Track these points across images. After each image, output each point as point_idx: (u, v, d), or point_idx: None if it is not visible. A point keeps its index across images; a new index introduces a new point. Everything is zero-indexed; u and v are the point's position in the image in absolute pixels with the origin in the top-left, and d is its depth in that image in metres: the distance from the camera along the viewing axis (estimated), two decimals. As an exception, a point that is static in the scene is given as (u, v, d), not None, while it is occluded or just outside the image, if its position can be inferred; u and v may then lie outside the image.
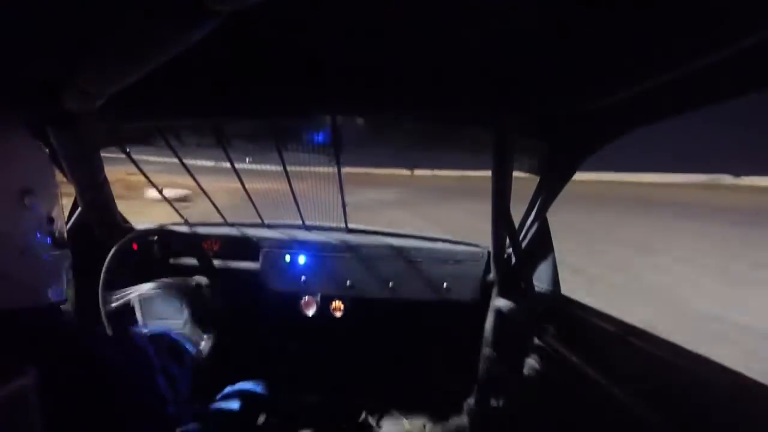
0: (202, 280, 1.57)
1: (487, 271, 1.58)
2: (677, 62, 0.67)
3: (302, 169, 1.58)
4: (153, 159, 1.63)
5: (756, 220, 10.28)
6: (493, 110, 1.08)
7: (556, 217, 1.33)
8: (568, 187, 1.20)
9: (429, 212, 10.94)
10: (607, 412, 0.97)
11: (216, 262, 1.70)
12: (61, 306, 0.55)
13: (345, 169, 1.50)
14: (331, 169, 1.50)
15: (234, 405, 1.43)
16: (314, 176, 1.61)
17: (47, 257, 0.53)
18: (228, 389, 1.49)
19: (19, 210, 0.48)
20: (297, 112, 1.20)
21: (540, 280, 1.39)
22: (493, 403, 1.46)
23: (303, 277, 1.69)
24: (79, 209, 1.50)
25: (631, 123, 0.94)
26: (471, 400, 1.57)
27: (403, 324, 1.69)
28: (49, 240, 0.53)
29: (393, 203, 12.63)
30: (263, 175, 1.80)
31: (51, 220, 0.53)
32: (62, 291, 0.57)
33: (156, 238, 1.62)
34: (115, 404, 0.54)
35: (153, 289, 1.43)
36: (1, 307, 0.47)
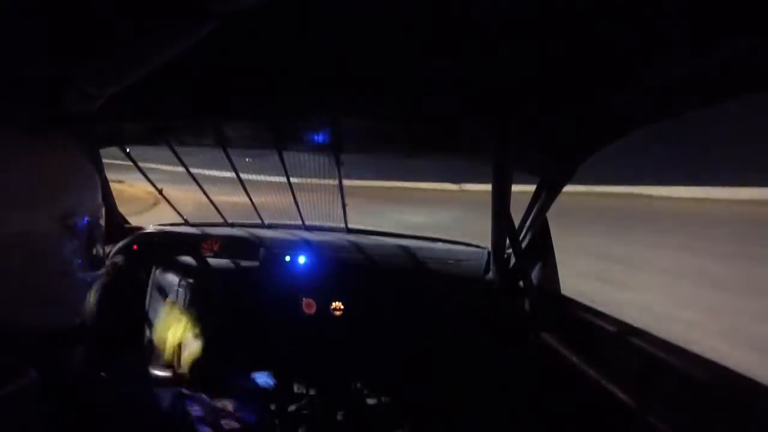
0: (202, 280, 1.57)
1: (487, 271, 1.58)
2: (677, 62, 0.67)
3: (303, 172, 1.58)
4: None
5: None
6: (492, 110, 1.08)
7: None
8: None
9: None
10: (606, 412, 0.97)
11: (216, 262, 1.70)
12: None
13: (368, 182, 1.49)
14: (331, 169, 1.50)
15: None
16: (315, 175, 1.61)
17: (85, 279, 0.53)
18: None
19: (63, 231, 0.48)
20: (297, 113, 1.20)
21: (540, 280, 1.39)
22: (494, 402, 1.46)
23: (303, 277, 1.69)
24: None
25: (631, 123, 0.94)
26: (471, 399, 1.57)
27: (403, 324, 1.69)
28: (89, 261, 0.52)
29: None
30: (263, 175, 1.81)
31: (94, 241, 0.53)
32: (94, 311, 0.57)
33: (156, 238, 1.62)
34: (115, 404, 0.54)
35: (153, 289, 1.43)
36: (35, 327, 0.48)
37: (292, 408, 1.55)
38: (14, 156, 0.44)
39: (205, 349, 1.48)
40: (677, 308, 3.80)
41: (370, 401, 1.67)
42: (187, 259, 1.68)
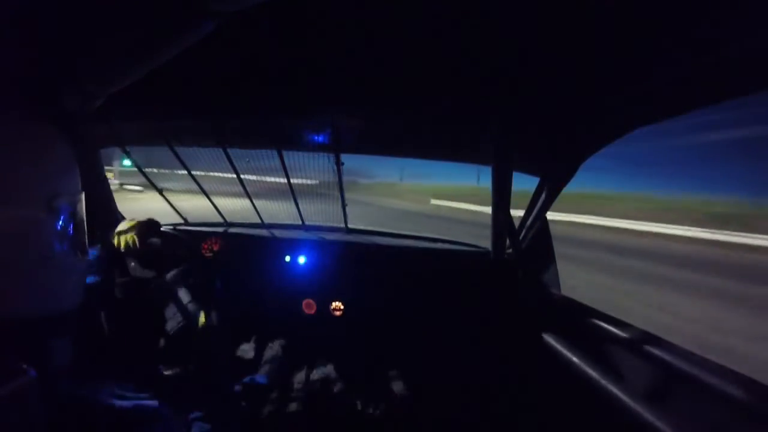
0: (201, 280, 1.57)
1: (487, 271, 1.58)
2: (677, 62, 0.67)
3: (303, 172, 1.58)
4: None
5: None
6: (493, 110, 1.08)
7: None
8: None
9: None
10: (607, 413, 0.97)
11: (216, 262, 1.70)
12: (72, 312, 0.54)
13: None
14: (331, 169, 1.50)
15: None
16: (315, 175, 1.61)
17: (69, 264, 0.51)
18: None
19: (44, 215, 0.46)
20: (297, 113, 1.20)
21: (540, 280, 1.39)
22: (494, 402, 1.46)
23: (303, 277, 1.69)
24: None
25: (631, 123, 0.94)
26: (471, 400, 1.57)
27: (403, 324, 1.69)
28: (72, 247, 0.51)
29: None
30: (264, 175, 1.80)
31: (75, 226, 0.51)
32: (79, 299, 0.55)
33: (156, 238, 1.62)
34: (116, 405, 0.54)
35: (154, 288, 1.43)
36: (18, 315, 0.46)
37: (291, 408, 1.55)
38: None
39: (205, 349, 1.48)
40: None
41: (370, 401, 1.67)
42: (187, 259, 1.68)
